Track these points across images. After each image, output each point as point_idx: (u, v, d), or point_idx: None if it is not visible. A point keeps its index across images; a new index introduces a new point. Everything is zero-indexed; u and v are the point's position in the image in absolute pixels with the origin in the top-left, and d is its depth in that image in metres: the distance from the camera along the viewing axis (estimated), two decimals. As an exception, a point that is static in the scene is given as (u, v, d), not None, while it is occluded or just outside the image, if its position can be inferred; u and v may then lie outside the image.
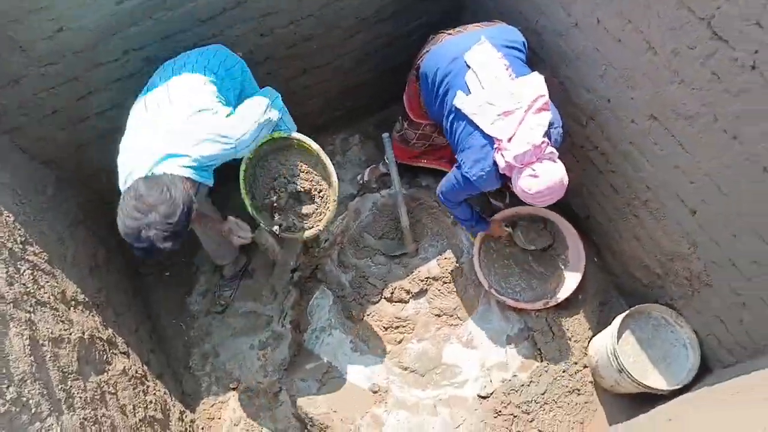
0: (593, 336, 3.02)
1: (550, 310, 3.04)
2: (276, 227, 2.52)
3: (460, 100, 2.37)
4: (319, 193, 2.58)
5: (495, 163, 2.30)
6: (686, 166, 2.15)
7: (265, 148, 2.45)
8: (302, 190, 2.54)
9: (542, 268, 3.17)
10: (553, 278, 3.12)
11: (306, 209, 2.57)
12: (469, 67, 2.37)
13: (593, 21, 2.25)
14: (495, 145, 2.28)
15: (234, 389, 3.01)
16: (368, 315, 3.19)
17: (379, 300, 3.21)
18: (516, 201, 3.29)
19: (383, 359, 3.09)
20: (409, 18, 3.15)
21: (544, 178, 2.20)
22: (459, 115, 2.41)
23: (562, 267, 3.13)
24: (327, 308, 3.23)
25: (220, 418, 2.94)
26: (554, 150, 2.26)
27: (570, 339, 3.00)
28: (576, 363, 2.96)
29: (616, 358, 2.59)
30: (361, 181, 3.51)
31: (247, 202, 2.49)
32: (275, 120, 2.38)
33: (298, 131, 2.55)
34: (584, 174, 2.92)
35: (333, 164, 2.51)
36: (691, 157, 2.10)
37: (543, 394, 2.89)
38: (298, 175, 2.54)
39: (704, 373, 2.57)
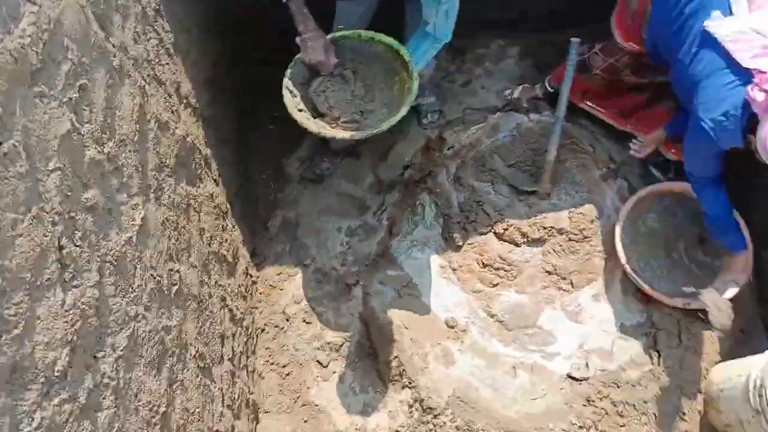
0: (720, 361, 2.52)
1: (686, 314, 2.54)
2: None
3: (716, 23, 1.84)
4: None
5: (745, 106, 1.78)
6: None
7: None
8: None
9: (694, 263, 2.65)
10: (703, 280, 2.60)
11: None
12: None
13: None
14: (753, 79, 1.76)
15: (306, 266, 2.70)
16: (470, 244, 2.78)
17: (488, 233, 2.79)
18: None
19: (470, 297, 2.70)
20: None
21: None
22: (706, 42, 1.89)
23: (719, 272, 2.60)
24: (429, 221, 2.84)
25: (282, 290, 2.65)
26: None
27: (696, 353, 2.51)
28: (693, 383, 2.48)
29: (761, 396, 2.10)
30: (509, 97, 3.02)
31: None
32: None
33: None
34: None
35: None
36: None
37: (646, 403, 2.43)
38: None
39: None
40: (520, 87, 3.04)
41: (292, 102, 2.16)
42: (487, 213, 2.79)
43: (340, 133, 2.17)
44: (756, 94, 1.74)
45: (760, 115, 1.76)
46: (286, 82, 2.16)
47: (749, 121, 1.82)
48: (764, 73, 1.73)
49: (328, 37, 2.21)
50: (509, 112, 2.96)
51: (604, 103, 2.80)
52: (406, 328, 2.51)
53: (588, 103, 2.84)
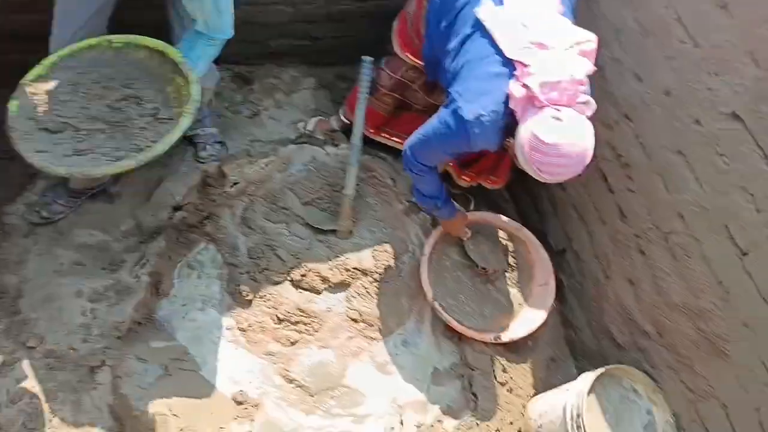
0: (534, 395, 2.38)
1: (498, 349, 2.37)
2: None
3: (486, 10, 1.73)
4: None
5: (506, 100, 1.65)
6: (762, 188, 1.62)
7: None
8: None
9: (501, 295, 2.51)
10: (510, 310, 2.47)
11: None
12: None
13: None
14: (515, 73, 1.64)
15: (32, 348, 1.96)
16: (261, 297, 2.31)
17: (283, 281, 2.35)
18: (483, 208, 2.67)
19: (264, 361, 2.21)
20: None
21: (569, 128, 1.58)
22: (476, 31, 1.77)
23: (524, 300, 2.50)
24: (207, 273, 2.32)
25: (-7, 385, 1.87)
26: (589, 102, 1.65)
27: (511, 391, 2.33)
28: (512, 424, 2.28)
29: (579, 428, 1.95)
30: (303, 130, 2.71)
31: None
32: None
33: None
34: (582, 192, 2.36)
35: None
36: (777, 175, 1.58)
37: (467, 456, 2.15)
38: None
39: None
40: (315, 119, 2.77)
41: (27, 146, 1.56)
42: (282, 258, 2.37)
43: (98, 170, 1.62)
44: (516, 89, 1.62)
45: (518, 115, 1.65)
46: (12, 121, 1.57)
47: (509, 121, 1.70)
48: (526, 66, 1.63)
49: (57, 54, 1.69)
50: (303, 145, 2.63)
51: (400, 131, 2.63)
52: (176, 415, 1.90)
53: (384, 135, 2.66)
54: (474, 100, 1.72)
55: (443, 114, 1.84)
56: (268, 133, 2.67)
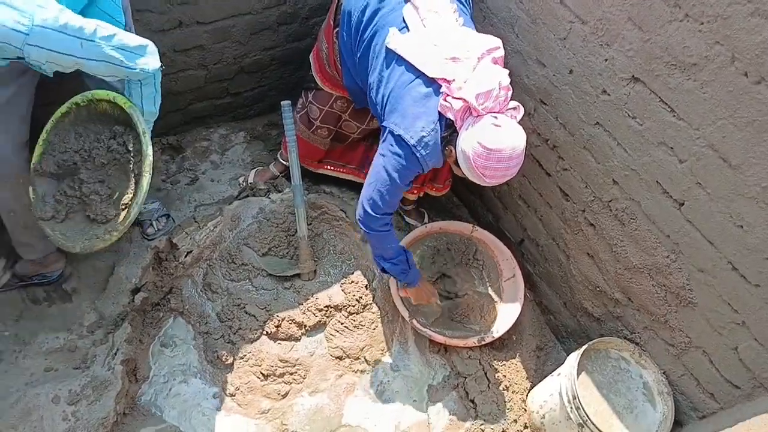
0: (531, 387, 2.40)
1: (484, 351, 2.38)
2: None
3: (395, 39, 1.79)
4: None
5: (440, 118, 1.70)
6: (676, 139, 1.70)
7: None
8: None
9: (476, 296, 2.54)
10: (487, 311, 2.49)
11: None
12: (407, 0, 1.82)
13: (561, -40, 1.83)
14: (442, 90, 1.70)
15: (16, 469, 1.90)
16: (242, 358, 2.30)
17: (259, 336, 2.34)
18: (436, 218, 2.71)
19: (259, 421, 2.19)
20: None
21: (507, 133, 1.65)
22: (391, 61, 1.82)
23: (497, 297, 2.52)
24: (182, 347, 2.29)
25: None
26: (518, 107, 1.74)
27: (508, 389, 2.34)
28: (516, 421, 2.29)
29: (578, 408, 1.96)
30: (243, 184, 2.72)
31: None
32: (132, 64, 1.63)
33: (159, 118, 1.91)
34: (524, 182, 2.42)
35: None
36: (685, 125, 1.66)
37: (479, 462, 2.15)
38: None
39: (675, 430, 2.03)
40: (253, 171, 2.78)
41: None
42: (253, 314, 2.36)
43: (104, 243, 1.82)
44: (451, 102, 1.69)
45: (458, 123, 1.70)
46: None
47: (447, 133, 1.76)
48: (450, 81, 1.69)
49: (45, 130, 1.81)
50: (247, 199, 2.64)
51: (341, 160, 2.66)
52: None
53: (328, 167, 2.69)
54: (411, 125, 1.77)
55: (387, 150, 1.84)
56: (211, 195, 2.67)
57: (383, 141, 1.88)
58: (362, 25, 1.89)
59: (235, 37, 2.56)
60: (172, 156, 2.80)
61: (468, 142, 1.67)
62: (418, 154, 1.77)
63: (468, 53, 1.74)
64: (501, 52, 1.81)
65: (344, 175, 2.71)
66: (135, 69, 1.63)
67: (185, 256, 2.43)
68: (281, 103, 2.38)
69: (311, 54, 2.31)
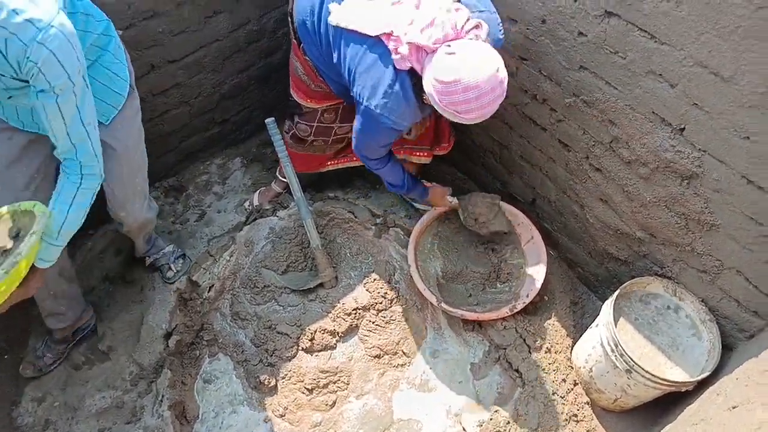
0: (573, 344, 2.37)
1: (519, 319, 2.36)
2: None
3: (335, 14, 1.76)
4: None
5: (396, 72, 1.67)
6: (664, 64, 1.65)
7: None
8: None
9: (493, 265, 2.52)
10: (513, 278, 2.47)
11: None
12: None
13: None
14: (388, 45, 1.66)
15: None
16: (284, 377, 2.31)
17: (296, 353, 2.35)
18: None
19: (314, 435, 2.20)
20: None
21: (464, 59, 1.54)
22: (340, 36, 1.79)
23: (522, 261, 2.50)
24: (225, 379, 2.31)
25: None
26: (480, 25, 1.64)
27: (550, 351, 2.32)
28: (565, 380, 2.26)
29: (622, 355, 1.93)
30: (249, 208, 2.73)
31: None
32: None
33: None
34: (523, 143, 2.39)
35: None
36: (669, 48, 1.61)
37: (536, 429, 2.13)
38: None
39: (725, 354, 1.99)
40: (256, 193, 2.79)
41: None
42: (285, 333, 2.37)
43: None
44: (402, 49, 1.63)
45: (417, 67, 1.64)
46: None
47: (414, 83, 1.70)
48: (390, 33, 1.65)
49: None
50: (256, 222, 2.65)
51: (343, 152, 2.63)
52: None
53: (333, 162, 2.65)
54: (373, 93, 1.74)
55: (358, 117, 1.88)
56: (221, 226, 2.69)
57: (357, 113, 1.88)
58: (317, 27, 1.87)
59: (209, 67, 2.57)
60: (176, 197, 2.82)
61: (428, 82, 1.61)
62: (386, 119, 1.74)
63: None
64: None
65: (350, 164, 2.67)
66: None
67: (208, 291, 2.45)
68: (266, 121, 2.38)
69: (290, 78, 2.28)
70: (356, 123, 1.92)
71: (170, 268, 2.49)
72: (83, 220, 1.63)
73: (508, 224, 2.49)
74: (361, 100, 1.77)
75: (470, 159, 2.78)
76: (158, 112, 2.53)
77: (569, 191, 2.31)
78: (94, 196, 1.65)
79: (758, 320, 1.87)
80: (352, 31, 1.73)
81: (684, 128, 1.72)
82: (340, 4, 1.77)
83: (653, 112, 1.77)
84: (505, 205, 2.52)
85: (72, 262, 2.18)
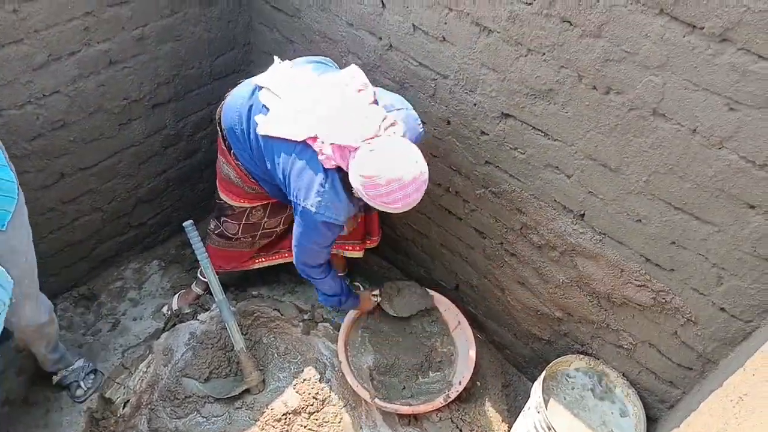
0: (509, 430, 2.36)
1: (453, 408, 2.34)
2: None
3: (262, 125, 1.82)
4: None
5: (325, 172, 1.74)
6: (558, 158, 1.82)
7: None
8: None
9: (423, 352, 2.51)
10: (445, 365, 2.46)
11: None
12: (261, 87, 1.88)
13: (408, 29, 1.96)
14: (314, 147, 1.74)
15: None
16: (210, 499, 2.11)
17: (223, 469, 2.18)
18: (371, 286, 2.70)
19: None
20: (196, 102, 2.63)
21: (387, 152, 1.62)
22: (270, 145, 1.85)
23: (451, 349, 2.51)
24: None
25: None
26: (395, 123, 1.73)
27: (486, 438, 2.29)
28: (504, 469, 2.23)
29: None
30: (168, 313, 2.61)
31: None
32: None
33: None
34: (442, 232, 2.48)
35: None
36: (561, 143, 1.78)
37: None
38: None
39: (650, 427, 2.05)
40: (176, 296, 2.68)
41: None
42: (210, 447, 2.20)
43: None
44: (326, 152, 1.71)
45: (342, 164, 1.71)
46: None
47: (342, 179, 1.76)
48: (315, 138, 1.73)
49: None
50: (175, 327, 2.52)
51: (272, 249, 2.59)
52: None
53: (259, 260, 2.60)
54: (307, 194, 1.78)
55: (297, 221, 1.89)
56: (137, 335, 2.53)
57: (295, 215, 1.90)
58: (246, 134, 1.92)
59: (123, 172, 2.52)
60: (87, 306, 2.65)
61: (353, 177, 1.67)
62: (325, 218, 1.77)
63: (326, 92, 1.79)
64: (364, 80, 1.84)
65: (281, 261, 2.63)
66: None
67: (123, 408, 2.26)
68: (183, 224, 2.34)
69: (216, 182, 2.28)
70: (296, 229, 1.93)
71: (80, 386, 2.29)
72: None
73: (428, 300, 2.55)
74: (298, 202, 1.81)
75: (393, 248, 2.84)
76: (68, 220, 2.42)
77: (489, 275, 2.39)
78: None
79: (675, 390, 1.97)
80: (280, 138, 1.79)
81: (584, 214, 1.86)
82: (266, 115, 1.83)
83: (555, 200, 1.91)
84: (431, 292, 2.56)
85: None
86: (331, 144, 1.69)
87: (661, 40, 1.41)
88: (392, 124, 1.74)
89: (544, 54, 1.66)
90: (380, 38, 2.09)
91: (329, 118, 1.73)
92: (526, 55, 1.70)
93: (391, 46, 2.07)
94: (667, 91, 1.46)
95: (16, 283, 1.82)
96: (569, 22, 1.55)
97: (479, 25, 1.75)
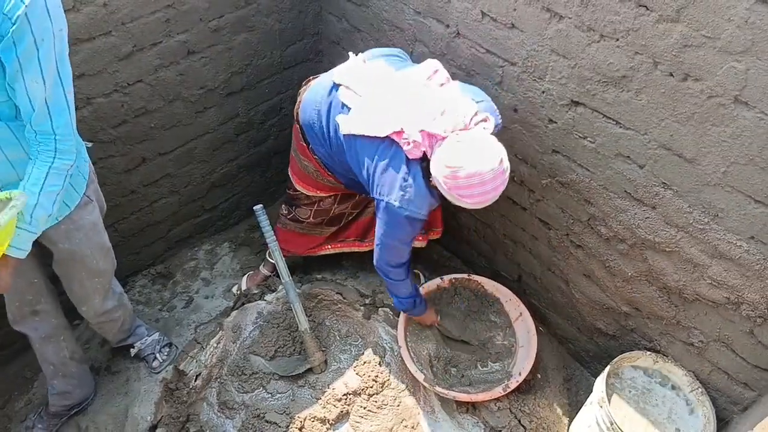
0: (570, 423, 2.33)
1: (512, 398, 2.32)
2: None
3: (344, 125, 1.87)
4: None
5: (408, 165, 1.75)
6: (630, 147, 1.76)
7: None
8: None
9: (485, 341, 2.51)
10: (505, 356, 2.45)
11: None
12: (339, 85, 1.92)
13: (477, 16, 1.95)
14: (398, 141, 1.76)
15: None
16: (273, 470, 2.22)
17: (285, 443, 2.28)
18: (433, 275, 2.71)
19: None
20: (266, 91, 2.72)
21: (471, 149, 1.63)
22: (353, 144, 1.88)
23: (512, 340, 2.49)
24: (211, 476, 2.22)
25: None
26: (488, 118, 1.74)
27: (547, 430, 2.27)
28: (563, 463, 2.20)
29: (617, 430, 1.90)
30: (237, 292, 2.74)
31: None
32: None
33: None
34: (505, 222, 2.46)
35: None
36: (634, 132, 1.72)
37: None
38: None
39: (721, 429, 1.97)
40: (244, 277, 2.81)
41: None
42: (274, 422, 2.30)
43: None
44: (415, 139, 1.72)
45: (428, 152, 1.73)
46: None
47: (424, 172, 1.78)
48: (400, 132, 1.75)
49: None
50: (243, 307, 2.64)
51: (339, 237, 2.67)
52: None
53: (327, 246, 2.68)
54: (390, 190, 1.81)
55: (381, 217, 1.91)
56: (209, 313, 2.67)
57: (377, 211, 1.93)
58: (325, 131, 1.98)
59: (199, 158, 2.66)
60: (164, 284, 2.82)
61: (436, 165, 1.68)
62: (408, 212, 1.80)
63: (409, 88, 1.81)
64: (444, 74, 1.85)
65: (346, 249, 2.70)
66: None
67: (195, 380, 2.40)
68: (254, 208, 2.44)
69: (290, 172, 2.36)
70: (378, 229, 1.95)
71: (156, 358, 2.45)
72: (57, 207, 1.54)
73: (489, 324, 2.56)
74: (381, 198, 1.85)
75: (455, 238, 2.84)
76: (148, 202, 2.59)
77: (554, 267, 2.35)
78: (67, 180, 1.54)
79: (749, 392, 1.87)
80: (363, 136, 1.83)
81: (656, 207, 1.80)
82: (347, 114, 1.87)
83: (625, 191, 1.86)
84: (492, 283, 2.55)
85: (80, 344, 2.25)
86: (421, 131, 1.70)
87: (746, 24, 1.33)
88: (484, 120, 1.75)
89: (617, 40, 1.61)
90: (447, 26, 2.09)
91: (415, 112, 1.75)
92: (598, 41, 1.66)
93: (458, 33, 2.06)
94: (750, 77, 1.39)
95: (87, 281, 1.95)
96: (645, 6, 1.49)
97: (550, 11, 1.72)
